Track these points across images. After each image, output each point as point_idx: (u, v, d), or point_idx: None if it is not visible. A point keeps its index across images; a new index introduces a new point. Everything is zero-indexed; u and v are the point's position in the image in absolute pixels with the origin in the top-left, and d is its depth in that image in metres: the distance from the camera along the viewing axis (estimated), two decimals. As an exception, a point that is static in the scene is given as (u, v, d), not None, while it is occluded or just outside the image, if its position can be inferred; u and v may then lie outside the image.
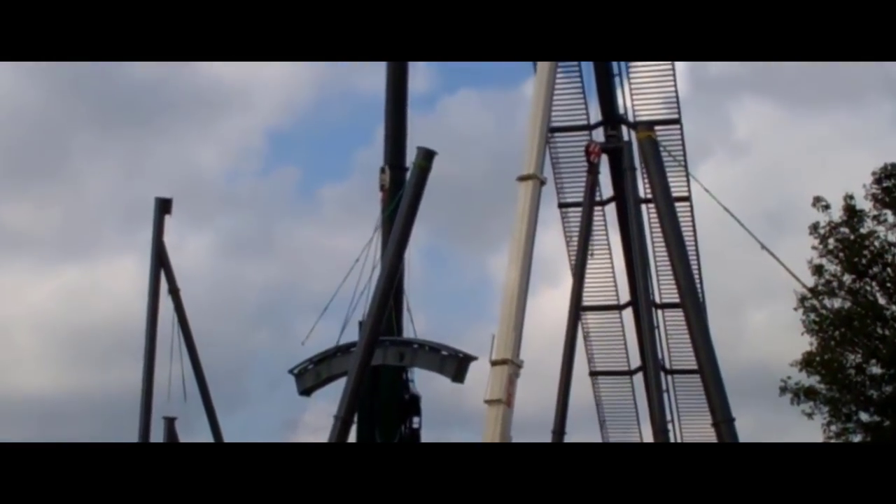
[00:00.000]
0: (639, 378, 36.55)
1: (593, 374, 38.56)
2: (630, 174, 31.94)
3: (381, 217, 34.42)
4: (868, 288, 40.25)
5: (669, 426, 31.31)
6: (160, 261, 39.51)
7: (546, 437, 31.04)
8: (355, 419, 30.21)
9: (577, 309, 32.90)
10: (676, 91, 34.01)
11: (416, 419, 35.79)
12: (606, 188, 34.68)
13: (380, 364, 33.06)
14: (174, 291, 39.44)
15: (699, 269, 34.43)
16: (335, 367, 34.29)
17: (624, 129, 33.59)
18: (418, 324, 35.57)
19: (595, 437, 38.56)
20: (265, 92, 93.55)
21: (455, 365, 33.32)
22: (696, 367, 28.76)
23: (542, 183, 25.38)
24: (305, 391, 35.03)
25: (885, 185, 39.99)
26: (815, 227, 40.59)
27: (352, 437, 30.44)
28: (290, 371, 35.18)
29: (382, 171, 35.76)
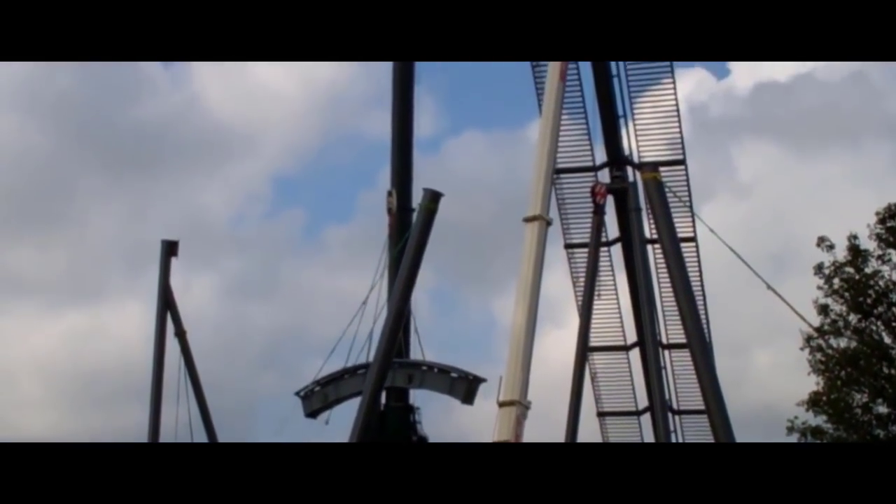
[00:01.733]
0: (646, 419, 36.50)
1: (601, 414, 38.52)
2: (636, 215, 32.06)
3: (388, 245, 34.37)
4: (874, 327, 40.29)
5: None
6: (166, 303, 39.42)
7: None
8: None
9: (584, 349, 32.88)
10: (681, 131, 34.22)
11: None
12: (612, 229, 34.78)
13: (388, 386, 32.87)
14: (180, 334, 39.27)
15: (705, 309, 34.47)
16: (342, 389, 34.13)
17: (629, 170, 33.71)
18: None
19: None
20: (271, 137, 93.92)
21: (465, 387, 33.19)
22: (703, 408, 28.77)
23: (549, 224, 25.41)
24: (312, 413, 34.74)
25: (889, 224, 40.12)
26: (819, 268, 40.68)
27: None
28: (297, 393, 34.96)
29: (389, 194, 35.60)
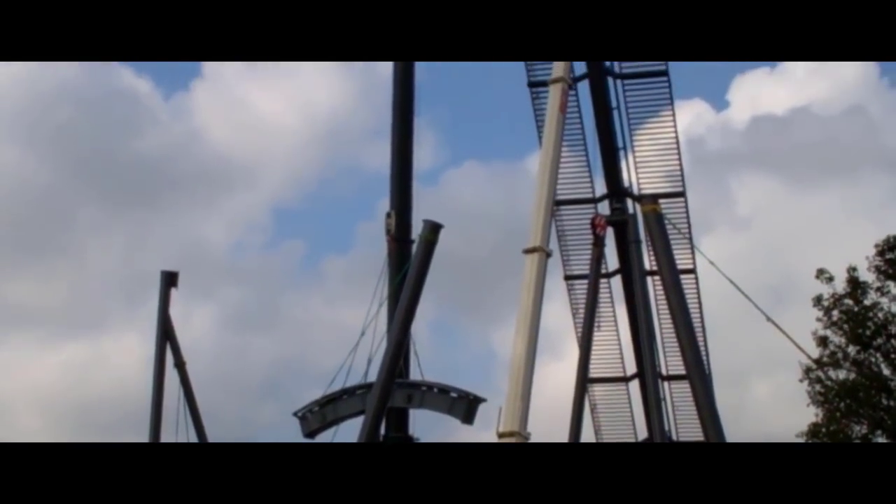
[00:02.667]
0: (646, 450, 36.40)
1: (600, 446, 38.48)
2: (635, 247, 32.15)
3: (387, 265, 34.34)
4: (873, 359, 40.34)
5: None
6: (166, 334, 39.39)
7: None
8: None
9: (584, 381, 32.90)
10: (681, 164, 34.31)
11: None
12: (612, 261, 34.84)
13: (388, 406, 32.79)
14: (180, 365, 39.19)
15: (705, 341, 34.50)
16: (341, 409, 34.04)
17: (629, 202, 33.78)
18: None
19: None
20: (271, 169, 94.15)
21: (464, 406, 33.07)
22: (703, 439, 28.73)
23: (548, 255, 25.42)
24: (310, 434, 34.64)
25: (888, 256, 40.23)
26: (818, 300, 40.76)
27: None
28: (295, 413, 34.87)
29: (388, 216, 35.53)
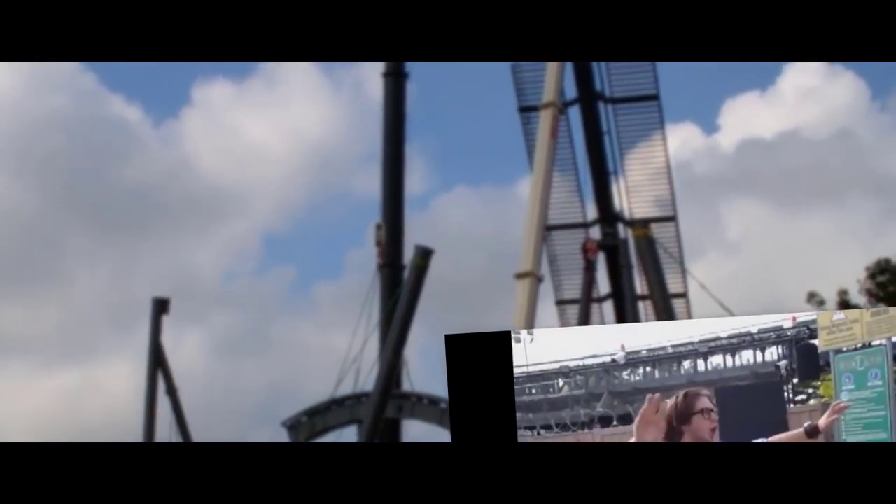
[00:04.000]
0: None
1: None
2: (627, 271, 32.14)
3: (378, 277, 34.34)
4: (865, 382, 40.34)
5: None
6: (157, 361, 39.33)
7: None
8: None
9: (577, 406, 32.82)
10: (672, 188, 34.34)
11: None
12: (604, 285, 34.84)
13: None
14: (172, 391, 39.18)
15: (696, 365, 34.45)
16: (330, 419, 34.04)
17: (620, 226, 33.80)
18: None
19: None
20: (261, 196, 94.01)
21: None
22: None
23: (540, 280, 25.48)
24: None
25: (878, 280, 40.25)
26: (810, 323, 40.76)
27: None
28: (283, 423, 34.81)
29: (378, 227, 35.58)
